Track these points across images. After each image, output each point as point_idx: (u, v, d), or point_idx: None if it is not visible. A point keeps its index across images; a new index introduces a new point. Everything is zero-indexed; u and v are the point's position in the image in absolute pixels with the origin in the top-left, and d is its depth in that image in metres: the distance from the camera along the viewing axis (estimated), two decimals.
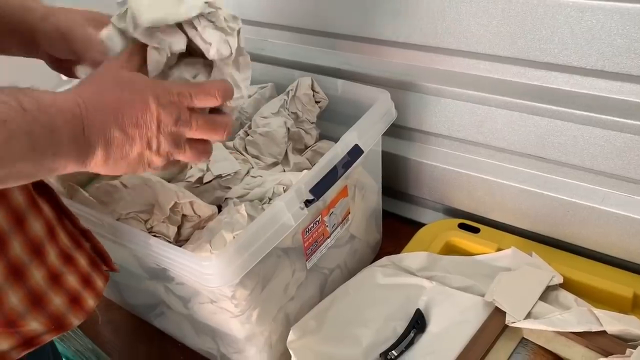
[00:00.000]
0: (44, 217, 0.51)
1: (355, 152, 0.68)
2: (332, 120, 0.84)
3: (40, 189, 0.53)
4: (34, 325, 0.50)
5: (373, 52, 0.83)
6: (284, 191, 0.68)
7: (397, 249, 0.85)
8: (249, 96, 0.86)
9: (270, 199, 0.69)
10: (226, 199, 0.72)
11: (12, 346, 0.50)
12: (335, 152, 0.66)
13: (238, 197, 0.71)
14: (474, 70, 0.75)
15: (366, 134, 0.71)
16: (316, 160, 0.67)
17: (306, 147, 0.84)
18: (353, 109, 0.76)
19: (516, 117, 0.74)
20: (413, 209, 0.97)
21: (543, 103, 0.70)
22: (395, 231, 0.92)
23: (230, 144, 0.80)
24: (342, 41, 0.85)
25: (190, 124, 0.49)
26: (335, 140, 0.69)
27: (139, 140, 0.46)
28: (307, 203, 0.62)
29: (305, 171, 0.70)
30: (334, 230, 0.73)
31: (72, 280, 0.54)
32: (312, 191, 0.62)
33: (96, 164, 0.45)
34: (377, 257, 0.87)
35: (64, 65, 0.61)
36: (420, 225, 0.90)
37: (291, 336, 0.69)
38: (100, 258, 0.61)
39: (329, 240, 0.72)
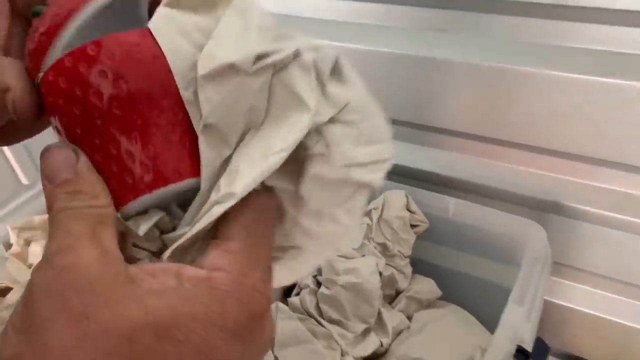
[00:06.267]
0: None
1: (541, 351, 0.41)
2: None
3: None
4: None
5: (496, 155, 0.58)
6: None
7: None
8: None
9: None
10: None
11: None
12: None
13: None
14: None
15: (531, 303, 0.45)
16: (411, 310, 0.40)
17: (397, 293, 0.57)
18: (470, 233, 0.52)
19: None
20: None
21: None
22: None
23: (295, 300, 0.52)
24: (453, 138, 0.59)
25: None
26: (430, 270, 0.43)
27: None
28: None
29: None
30: None
31: None
32: None
33: None
34: None
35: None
36: None
37: None
38: None
39: None
